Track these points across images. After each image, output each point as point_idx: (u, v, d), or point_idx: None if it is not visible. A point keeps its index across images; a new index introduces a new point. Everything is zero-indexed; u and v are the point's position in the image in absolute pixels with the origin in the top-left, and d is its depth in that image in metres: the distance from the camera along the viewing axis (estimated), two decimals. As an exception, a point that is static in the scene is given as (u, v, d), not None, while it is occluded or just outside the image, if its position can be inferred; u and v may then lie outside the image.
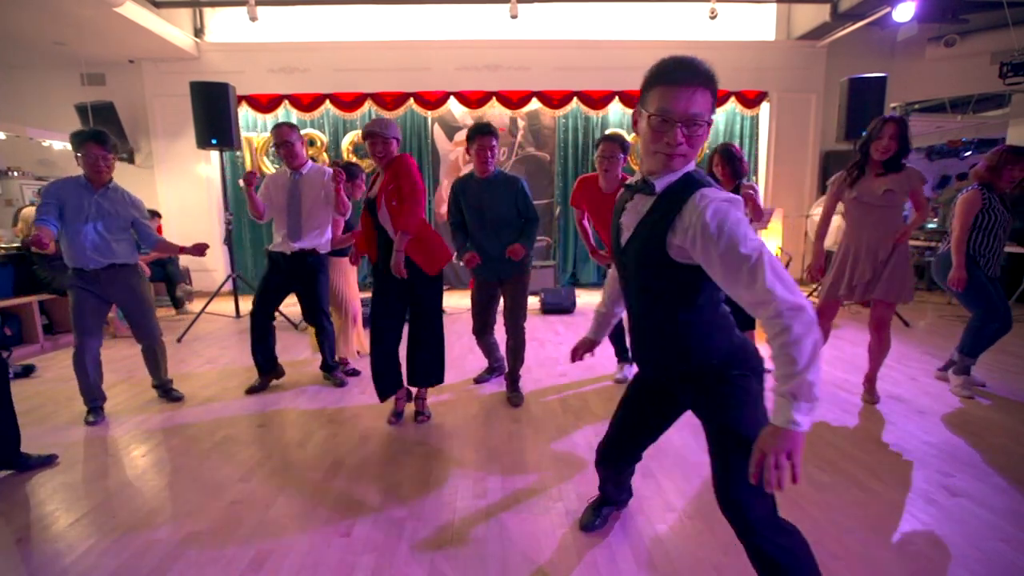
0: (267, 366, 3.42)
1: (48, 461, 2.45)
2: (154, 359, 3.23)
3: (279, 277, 3.32)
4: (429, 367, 2.85)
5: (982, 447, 2.50)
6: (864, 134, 2.82)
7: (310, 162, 3.33)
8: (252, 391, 3.36)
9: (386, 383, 2.81)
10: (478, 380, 3.53)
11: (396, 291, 2.74)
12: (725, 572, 1.66)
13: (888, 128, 2.70)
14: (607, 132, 3.34)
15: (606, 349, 4.27)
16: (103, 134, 2.91)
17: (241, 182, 3.35)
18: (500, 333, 3.34)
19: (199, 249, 3.06)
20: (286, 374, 3.61)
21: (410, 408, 2.99)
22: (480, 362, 3.75)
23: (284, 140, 3.16)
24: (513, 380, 3.23)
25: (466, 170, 7.21)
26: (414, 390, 2.98)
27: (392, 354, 2.79)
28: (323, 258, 3.40)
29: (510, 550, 1.80)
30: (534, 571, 1.70)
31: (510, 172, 3.22)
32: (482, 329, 3.31)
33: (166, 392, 3.28)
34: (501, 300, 3.24)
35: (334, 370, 3.52)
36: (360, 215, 2.83)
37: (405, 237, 2.60)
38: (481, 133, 2.98)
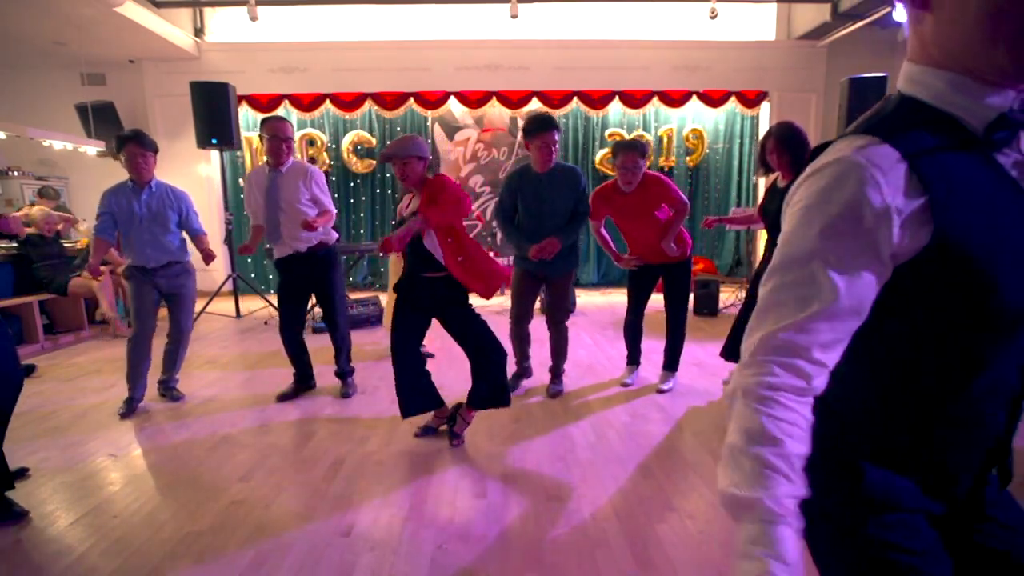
0: (304, 379, 3.35)
1: (18, 517, 2.04)
2: (176, 352, 3.28)
3: (292, 281, 3.17)
4: (497, 389, 2.57)
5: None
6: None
7: (292, 159, 3.12)
8: (283, 398, 3.25)
9: (408, 400, 2.57)
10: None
11: (413, 309, 2.56)
12: (725, 572, 1.66)
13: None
14: (621, 141, 3.19)
15: (606, 349, 4.28)
16: (141, 134, 3.06)
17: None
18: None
19: (209, 256, 3.21)
20: (283, 375, 3.60)
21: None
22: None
23: (287, 136, 3.01)
24: (556, 374, 3.33)
25: (466, 169, 7.33)
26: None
27: (413, 370, 2.58)
28: (333, 251, 3.22)
29: (510, 550, 1.80)
30: (534, 571, 1.69)
31: (567, 164, 3.10)
32: (520, 316, 3.21)
33: (168, 391, 3.28)
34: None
35: (348, 376, 3.35)
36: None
37: (421, 223, 2.29)
38: (541, 129, 2.84)
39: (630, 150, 2.97)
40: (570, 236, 2.98)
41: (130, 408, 3.06)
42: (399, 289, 2.59)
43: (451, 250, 2.42)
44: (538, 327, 3.39)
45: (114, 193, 3.05)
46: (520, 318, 3.25)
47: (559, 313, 3.21)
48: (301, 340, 3.31)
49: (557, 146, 2.93)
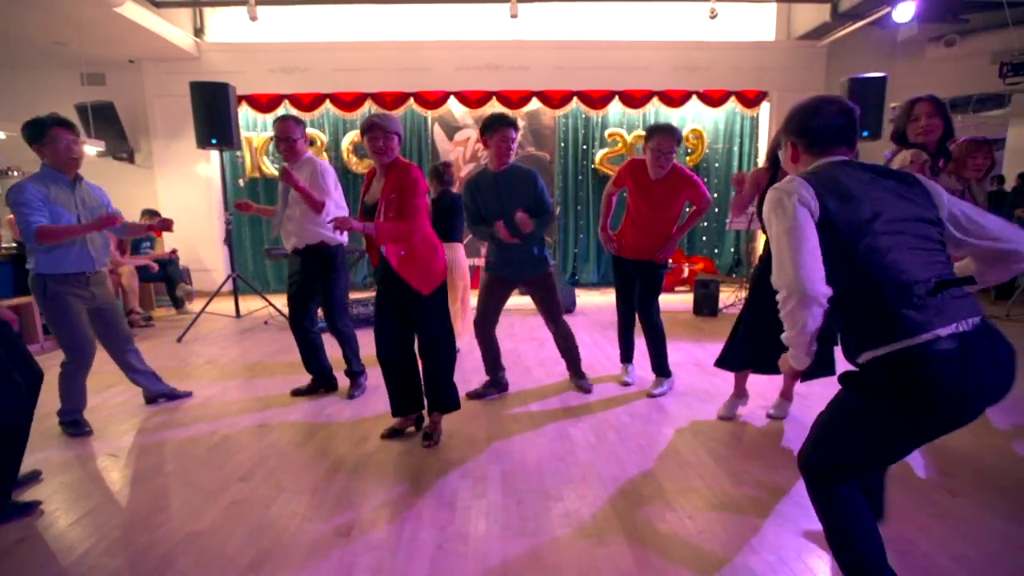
0: (322, 380, 3.31)
1: (30, 509, 2.08)
2: (140, 362, 3.09)
3: (296, 276, 3.15)
4: (438, 393, 2.62)
5: (982, 447, 2.50)
6: (894, 125, 2.49)
7: (307, 155, 3.09)
8: (298, 393, 3.27)
9: (396, 400, 2.67)
10: (473, 395, 3.19)
11: (392, 305, 2.56)
12: (725, 572, 1.66)
13: (922, 107, 2.38)
14: (657, 124, 3.10)
15: (606, 349, 4.27)
16: (65, 118, 2.65)
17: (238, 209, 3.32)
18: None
19: (165, 224, 2.99)
20: (283, 375, 3.60)
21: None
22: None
23: (286, 136, 2.97)
24: (577, 371, 3.32)
25: (466, 169, 7.33)
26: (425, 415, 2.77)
27: (399, 370, 2.63)
28: (335, 251, 3.14)
29: (510, 550, 1.80)
30: (534, 571, 1.70)
31: (524, 165, 3.07)
32: (483, 320, 3.13)
33: (169, 392, 3.24)
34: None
35: (357, 376, 3.30)
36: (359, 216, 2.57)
37: (374, 234, 2.36)
38: (502, 124, 2.86)
39: (666, 132, 2.91)
40: (538, 226, 2.93)
41: (84, 426, 2.81)
42: (379, 281, 2.62)
43: (394, 246, 2.46)
44: (539, 327, 3.39)
45: (42, 181, 2.58)
46: (480, 319, 3.15)
47: (552, 312, 3.19)
48: (310, 339, 3.23)
49: (515, 143, 2.91)
